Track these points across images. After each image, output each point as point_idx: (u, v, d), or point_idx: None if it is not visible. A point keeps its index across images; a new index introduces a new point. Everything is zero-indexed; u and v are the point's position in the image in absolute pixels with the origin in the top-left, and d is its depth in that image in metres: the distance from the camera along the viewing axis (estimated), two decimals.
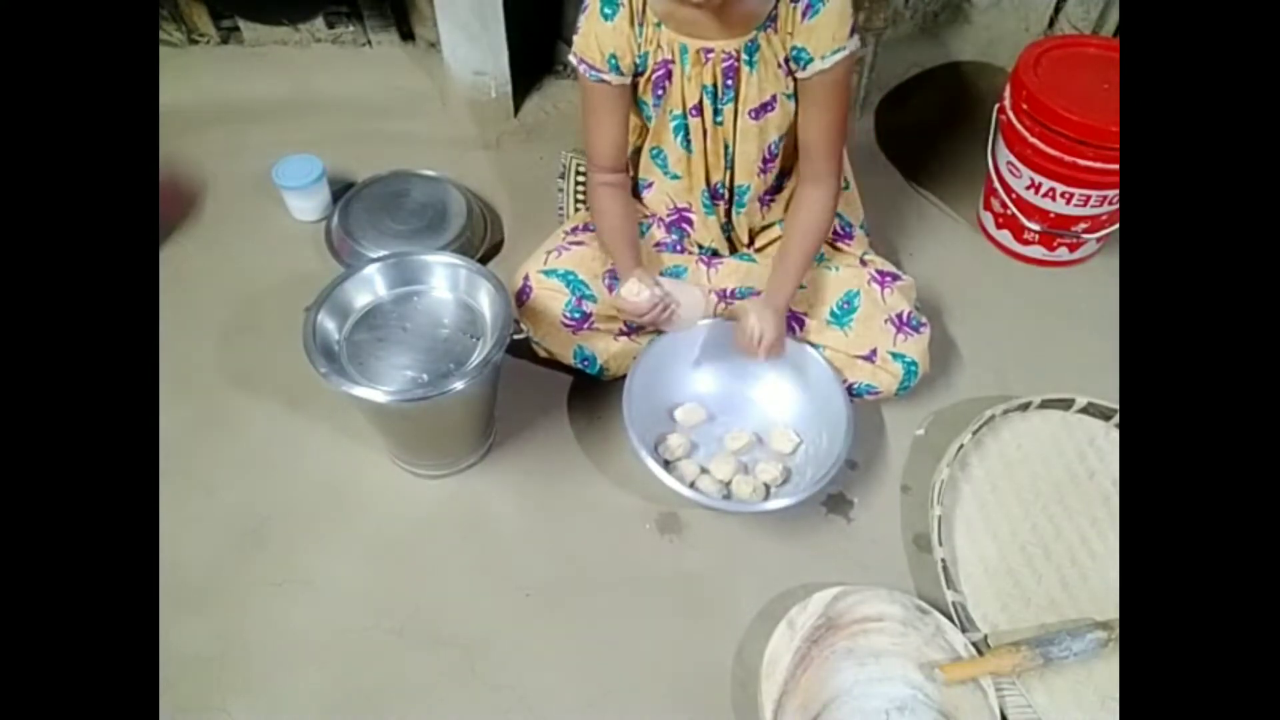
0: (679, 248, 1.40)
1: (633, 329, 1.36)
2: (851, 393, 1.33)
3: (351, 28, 2.07)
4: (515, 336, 1.17)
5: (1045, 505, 1.32)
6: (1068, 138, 1.47)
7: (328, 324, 1.15)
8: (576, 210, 1.58)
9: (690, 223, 1.39)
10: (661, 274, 1.38)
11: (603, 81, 1.20)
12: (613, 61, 1.17)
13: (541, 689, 1.13)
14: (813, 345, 1.33)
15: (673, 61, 1.18)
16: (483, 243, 1.67)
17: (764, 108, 1.21)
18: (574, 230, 1.39)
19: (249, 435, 1.37)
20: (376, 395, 1.07)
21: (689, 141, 1.27)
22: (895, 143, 1.96)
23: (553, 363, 1.41)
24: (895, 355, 1.31)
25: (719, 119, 1.24)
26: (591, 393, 1.43)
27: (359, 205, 1.64)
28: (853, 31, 1.13)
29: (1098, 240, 1.66)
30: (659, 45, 1.17)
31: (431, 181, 1.70)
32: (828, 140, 1.22)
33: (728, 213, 1.38)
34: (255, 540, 1.25)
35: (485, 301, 1.21)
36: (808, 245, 1.26)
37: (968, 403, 1.47)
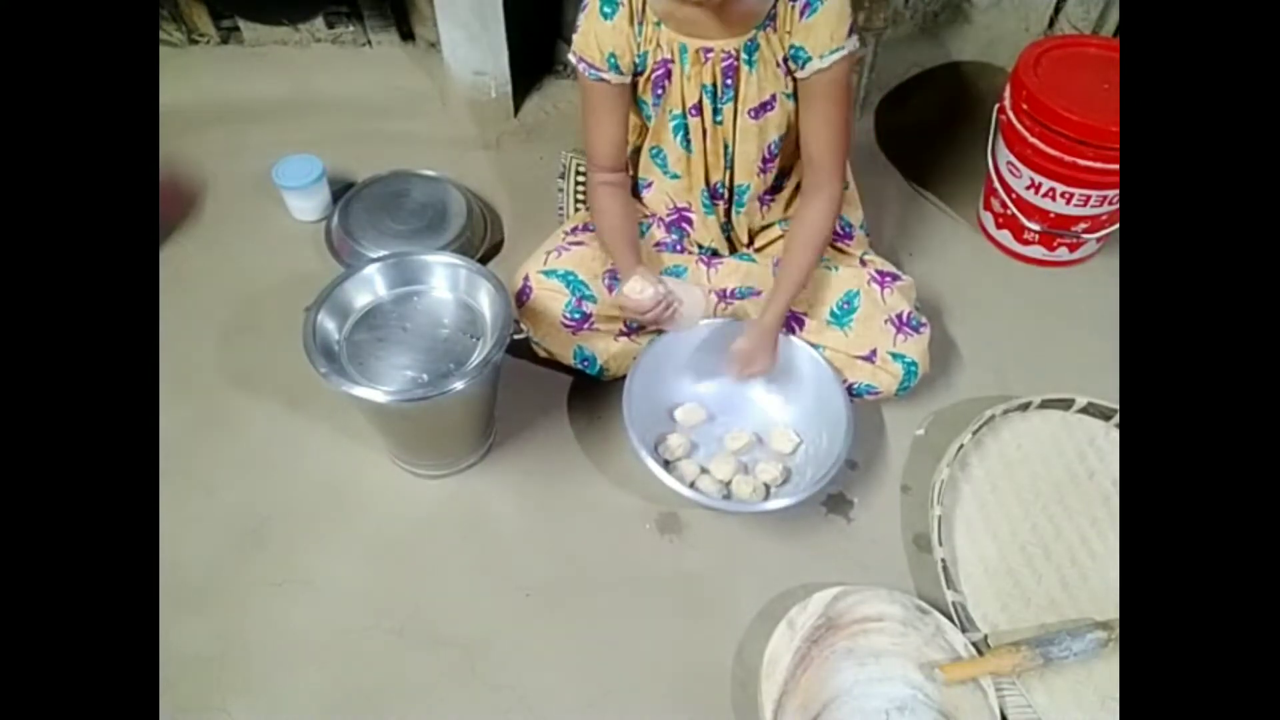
0: (679, 247, 1.40)
1: (633, 329, 1.36)
2: (851, 393, 1.33)
3: (351, 28, 2.07)
4: (515, 336, 1.17)
5: (1045, 505, 1.32)
6: (1068, 138, 1.47)
7: (328, 324, 1.15)
8: (576, 210, 1.58)
9: (690, 222, 1.39)
10: (662, 274, 1.38)
11: (602, 80, 1.20)
12: (612, 60, 1.17)
13: (541, 689, 1.13)
14: (813, 345, 1.33)
15: (672, 61, 1.18)
16: (483, 243, 1.67)
17: (763, 107, 1.21)
18: (574, 230, 1.39)
19: (249, 435, 1.37)
20: (376, 395, 1.07)
21: (688, 141, 1.27)
22: (895, 143, 1.96)
23: (553, 363, 1.41)
24: (895, 355, 1.31)
25: (718, 118, 1.24)
26: (591, 393, 1.43)
27: (359, 205, 1.64)
28: (851, 31, 1.13)
29: (1098, 240, 1.66)
30: (658, 44, 1.17)
31: (431, 181, 1.70)
32: (830, 144, 1.22)
33: (727, 212, 1.38)
34: (255, 540, 1.25)
35: (485, 301, 1.21)
36: (808, 257, 1.26)
37: (968, 403, 1.47)
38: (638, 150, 1.36)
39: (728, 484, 1.29)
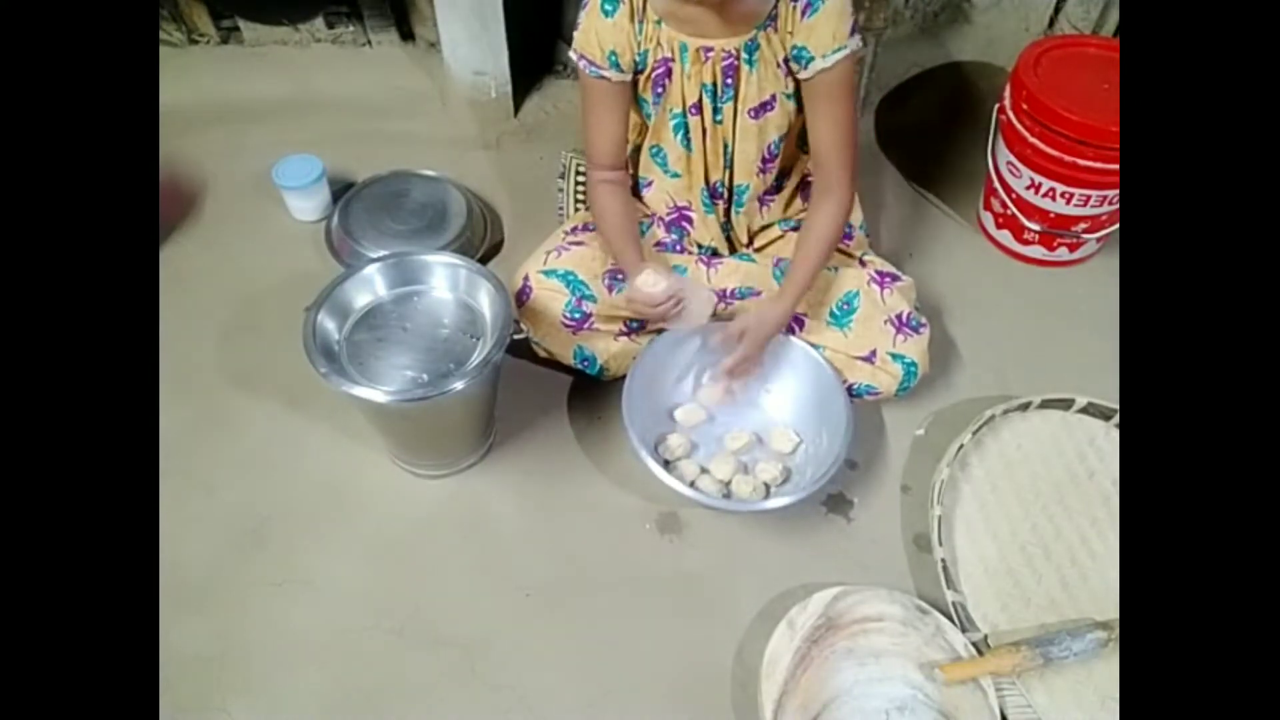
0: (679, 247, 1.40)
1: (633, 329, 1.36)
2: (851, 393, 1.33)
3: (351, 28, 2.07)
4: (515, 336, 1.17)
5: (1045, 505, 1.32)
6: (1068, 138, 1.47)
7: (328, 324, 1.15)
8: (576, 210, 1.57)
9: (690, 221, 1.39)
10: None
11: (602, 78, 1.20)
12: (613, 58, 1.17)
13: (541, 689, 1.13)
14: (813, 345, 1.33)
15: (672, 60, 1.18)
16: (483, 243, 1.67)
17: (763, 107, 1.21)
18: (574, 230, 1.39)
19: (249, 435, 1.37)
20: (376, 395, 1.07)
21: (688, 140, 1.27)
22: (895, 143, 1.96)
23: (553, 363, 1.41)
24: (895, 356, 1.31)
25: (718, 118, 1.24)
26: (591, 393, 1.43)
27: (359, 205, 1.64)
28: (853, 31, 1.13)
29: (1098, 240, 1.66)
30: (659, 43, 1.17)
31: (431, 181, 1.70)
32: (838, 144, 1.21)
33: (727, 212, 1.38)
34: (255, 540, 1.25)
35: (485, 301, 1.21)
36: (816, 261, 1.25)
37: (968, 403, 1.47)
38: (638, 149, 1.36)
39: (728, 484, 1.29)
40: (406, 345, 1.17)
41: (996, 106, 1.64)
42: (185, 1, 1.97)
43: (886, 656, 1.13)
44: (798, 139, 1.33)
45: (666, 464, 1.29)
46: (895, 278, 1.36)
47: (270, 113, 1.91)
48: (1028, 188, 1.59)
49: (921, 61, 2.16)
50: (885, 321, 1.32)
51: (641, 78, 1.22)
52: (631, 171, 1.39)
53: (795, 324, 1.36)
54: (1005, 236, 1.72)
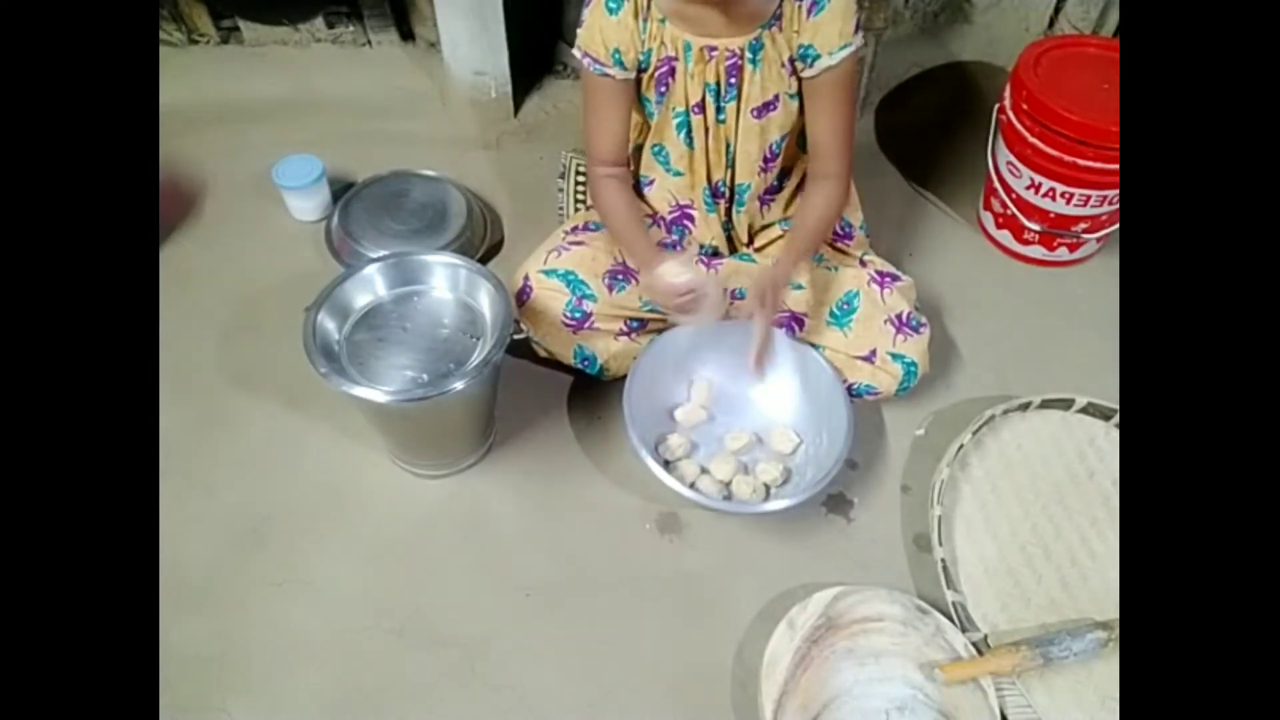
0: (679, 248, 1.40)
1: (633, 328, 1.36)
2: (851, 393, 1.33)
3: (351, 28, 2.07)
4: (515, 336, 1.17)
5: (1045, 505, 1.32)
6: (1068, 138, 1.47)
7: (328, 324, 1.15)
8: (576, 210, 1.58)
9: (692, 220, 1.39)
10: None
11: (606, 76, 1.20)
12: (617, 56, 1.17)
13: (541, 689, 1.13)
14: (813, 345, 1.33)
15: (676, 58, 1.18)
16: (483, 243, 1.67)
17: (766, 107, 1.21)
18: (574, 230, 1.39)
19: (249, 435, 1.37)
20: (376, 395, 1.07)
21: (691, 139, 1.27)
22: (895, 143, 1.96)
23: (553, 363, 1.41)
24: (895, 356, 1.31)
25: (721, 117, 1.24)
26: (591, 393, 1.43)
27: (359, 205, 1.64)
28: (858, 28, 1.14)
29: (1098, 240, 1.66)
30: (663, 41, 1.17)
31: (431, 181, 1.70)
32: (837, 138, 1.22)
33: (728, 211, 1.38)
34: (255, 540, 1.25)
35: (485, 301, 1.21)
36: (815, 231, 1.26)
37: (968, 403, 1.47)
38: (639, 148, 1.36)
39: (728, 484, 1.29)
40: (406, 345, 1.17)
41: (996, 106, 1.64)
42: (185, 1, 1.97)
43: (886, 656, 1.13)
44: (798, 138, 1.33)
45: (667, 464, 1.29)
46: (895, 277, 1.36)
47: (270, 113, 1.91)
48: (1028, 188, 1.59)
49: (921, 61, 2.16)
50: (885, 321, 1.32)
51: (645, 76, 1.22)
52: (633, 170, 1.39)
53: (795, 324, 1.36)
54: (1005, 236, 1.72)
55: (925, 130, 1.98)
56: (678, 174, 1.33)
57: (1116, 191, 1.52)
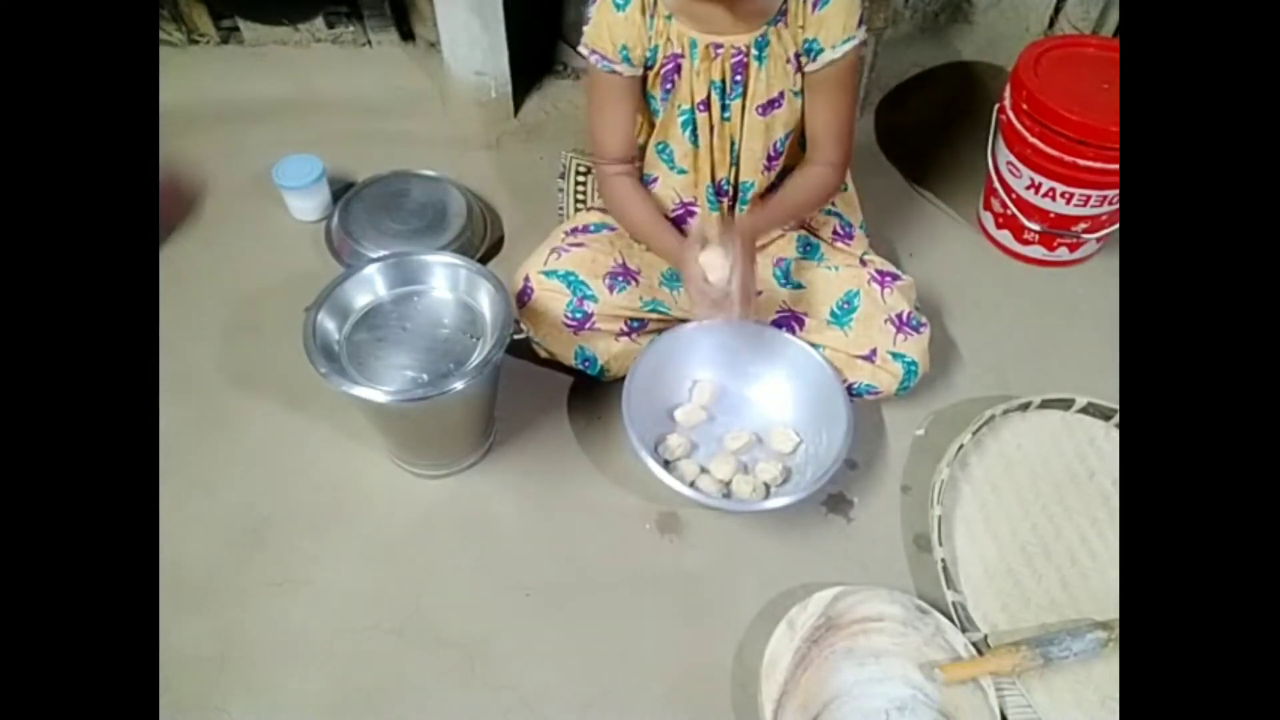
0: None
1: (634, 329, 1.36)
2: (851, 393, 1.33)
3: (351, 28, 2.07)
4: (515, 336, 1.17)
5: (1045, 505, 1.32)
6: (1068, 138, 1.47)
7: (328, 324, 1.15)
8: (576, 210, 1.58)
9: (695, 217, 1.39)
10: (661, 276, 1.38)
11: (614, 73, 1.20)
12: (624, 52, 1.17)
13: (541, 689, 1.13)
14: (813, 345, 1.33)
15: (682, 56, 1.18)
16: (483, 243, 1.67)
17: (771, 104, 1.21)
18: (574, 230, 1.39)
19: (249, 435, 1.37)
20: (376, 395, 1.07)
21: (696, 136, 1.27)
22: (895, 143, 1.96)
23: (553, 363, 1.41)
24: (895, 355, 1.31)
25: (726, 115, 1.24)
26: (591, 393, 1.43)
27: (359, 205, 1.64)
28: (861, 21, 1.14)
29: (1098, 240, 1.66)
30: (668, 38, 1.17)
31: (431, 181, 1.70)
32: (836, 130, 1.23)
33: (731, 209, 1.38)
34: (255, 540, 1.25)
35: (485, 301, 1.21)
36: (797, 205, 1.28)
37: (968, 403, 1.47)
38: (643, 146, 1.36)
39: (728, 484, 1.29)
40: (406, 345, 1.17)
41: (996, 106, 1.64)
42: (185, 1, 1.97)
43: (886, 656, 1.13)
44: (800, 138, 1.33)
45: (666, 464, 1.29)
46: (895, 277, 1.36)
47: (270, 113, 1.91)
48: (1028, 188, 1.59)
49: (921, 61, 2.16)
50: (885, 321, 1.32)
51: (650, 74, 1.22)
52: (637, 167, 1.39)
53: (795, 323, 1.36)
54: (1005, 236, 1.72)
55: (925, 130, 1.98)
56: (681, 172, 1.33)
57: (1116, 191, 1.52)
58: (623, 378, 1.30)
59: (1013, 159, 1.59)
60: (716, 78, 1.19)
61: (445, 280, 1.23)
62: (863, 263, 1.38)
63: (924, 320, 1.34)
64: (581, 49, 1.21)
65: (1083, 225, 1.61)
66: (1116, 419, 1.42)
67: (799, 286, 1.36)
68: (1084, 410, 1.43)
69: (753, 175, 1.31)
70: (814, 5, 1.13)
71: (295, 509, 1.29)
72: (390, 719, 1.10)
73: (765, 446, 1.36)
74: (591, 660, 1.16)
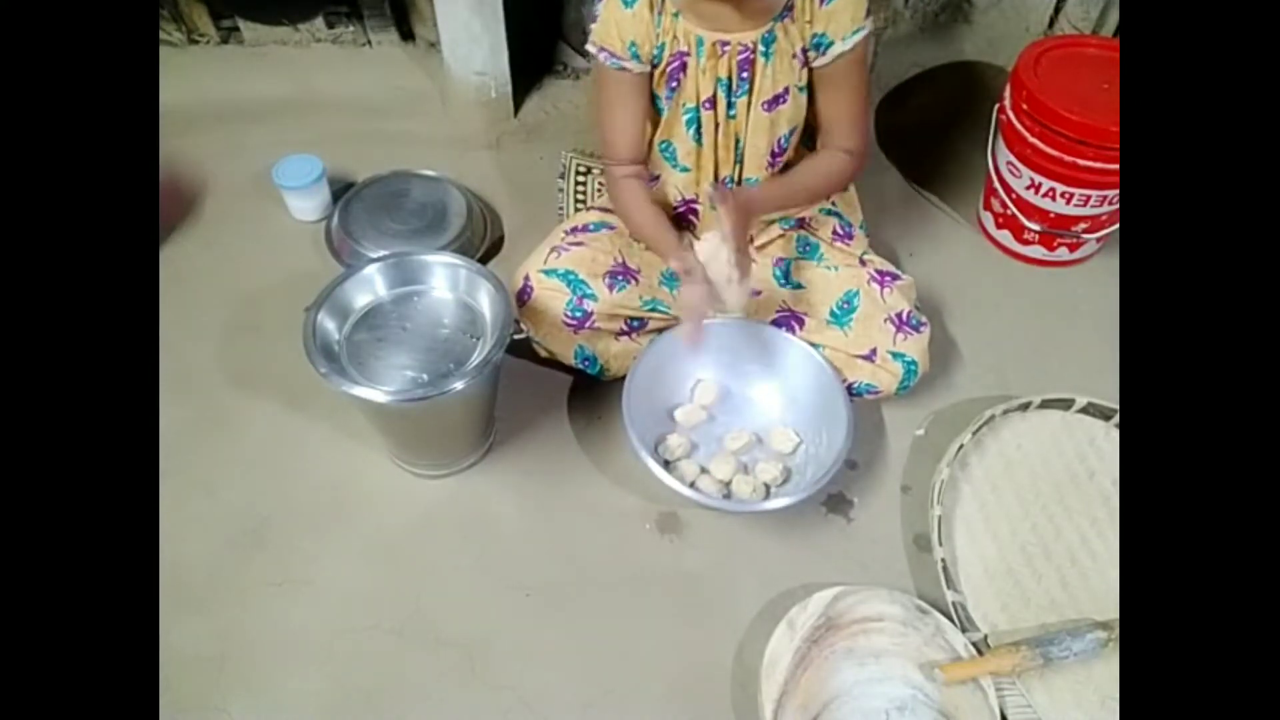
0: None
1: (634, 328, 1.36)
2: (851, 392, 1.33)
3: (351, 28, 2.06)
4: (515, 336, 1.17)
5: (1045, 505, 1.32)
6: (1068, 138, 1.47)
7: (328, 324, 1.16)
8: (576, 210, 1.58)
9: (697, 214, 1.39)
10: (661, 275, 1.38)
11: (624, 70, 1.19)
12: (633, 49, 1.17)
13: (541, 689, 1.13)
14: (813, 345, 1.33)
15: (688, 53, 1.18)
16: (483, 243, 1.67)
17: (776, 100, 1.21)
18: (574, 230, 1.39)
19: (249, 435, 1.37)
20: (376, 395, 1.07)
21: (700, 135, 1.27)
22: (895, 143, 1.96)
23: (553, 363, 1.41)
24: (895, 354, 1.31)
25: (732, 112, 1.24)
26: (591, 393, 1.43)
27: (359, 205, 1.64)
28: (869, 12, 1.15)
29: (1098, 240, 1.66)
30: (675, 36, 1.17)
31: (431, 181, 1.70)
32: (852, 119, 1.23)
33: None
34: (255, 540, 1.25)
35: (485, 301, 1.21)
36: (808, 187, 1.27)
37: (968, 403, 1.47)
38: (647, 145, 1.36)
39: (728, 484, 1.29)
40: (406, 345, 1.17)
41: (996, 106, 1.64)
42: (185, 1, 1.97)
43: (886, 656, 1.13)
44: (802, 136, 1.33)
45: (666, 464, 1.29)
46: (895, 276, 1.36)
47: (270, 113, 1.91)
48: (1028, 188, 1.59)
49: (921, 61, 2.16)
50: (885, 320, 1.32)
51: (656, 72, 1.22)
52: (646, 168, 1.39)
53: (795, 323, 1.36)
54: (1005, 236, 1.72)
55: (925, 130, 1.98)
56: (685, 169, 1.33)
57: (1116, 191, 1.52)
58: (623, 377, 1.30)
59: (1013, 159, 1.59)
60: (723, 75, 1.19)
61: (445, 280, 1.23)
62: (862, 262, 1.38)
63: (924, 320, 1.34)
64: (589, 47, 1.20)
65: (1083, 225, 1.61)
66: (1116, 419, 1.42)
67: (799, 286, 1.36)
68: (1084, 410, 1.43)
69: (757, 172, 1.30)
70: (821, 0, 1.13)
71: (295, 509, 1.29)
72: (390, 719, 1.10)
73: (765, 447, 1.36)
74: (591, 660, 1.16)
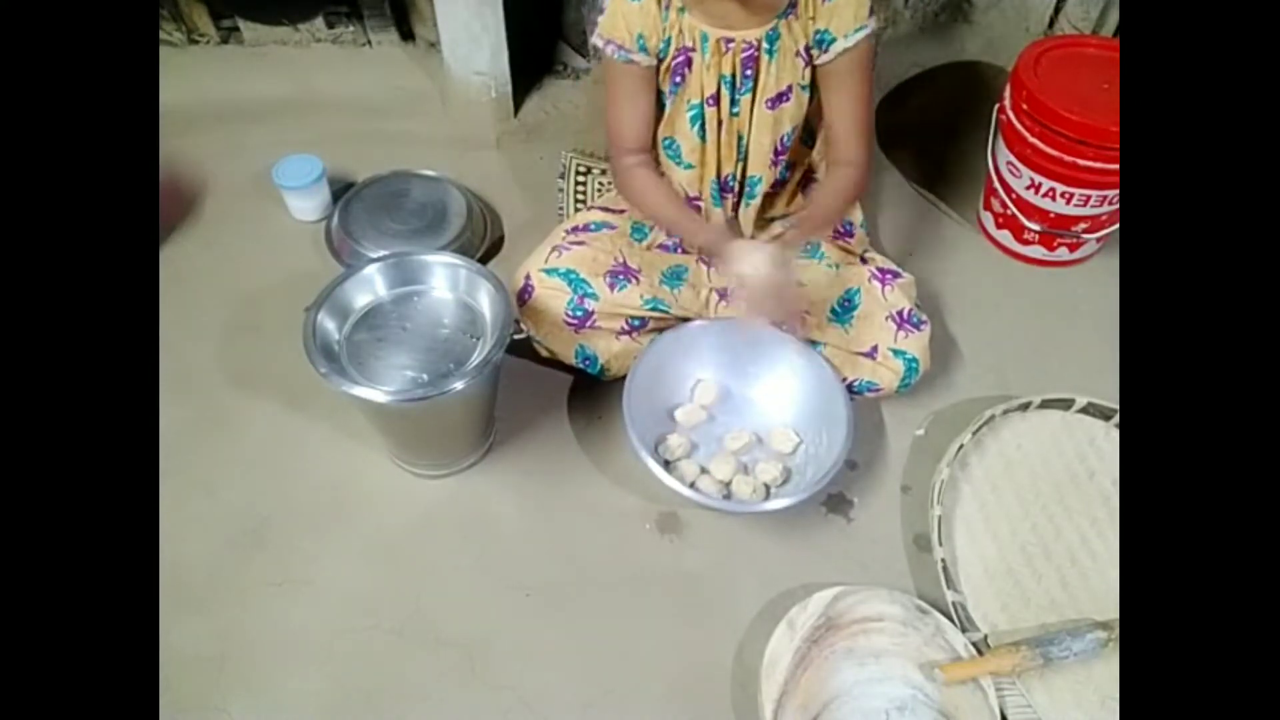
0: (680, 249, 1.40)
1: (634, 328, 1.36)
2: (852, 390, 1.33)
3: (351, 28, 2.06)
4: (515, 336, 1.17)
5: (1045, 505, 1.32)
6: (1068, 138, 1.47)
7: (328, 324, 1.15)
8: (576, 210, 1.58)
9: (699, 212, 1.39)
10: (662, 274, 1.38)
11: (631, 62, 1.20)
12: (640, 42, 1.18)
13: (541, 689, 1.13)
14: (813, 343, 1.33)
15: (693, 50, 1.18)
16: (483, 242, 1.67)
17: (780, 97, 1.22)
18: (575, 229, 1.39)
19: (249, 435, 1.37)
20: (376, 395, 1.07)
21: (703, 131, 1.27)
22: (896, 143, 1.96)
23: (553, 363, 1.41)
24: (896, 352, 1.31)
25: (735, 110, 1.24)
26: (591, 393, 1.43)
27: (359, 205, 1.64)
28: (872, 11, 1.15)
29: (1098, 240, 1.66)
30: (680, 31, 1.17)
31: (431, 181, 1.70)
32: (855, 125, 1.24)
33: (735, 206, 1.38)
34: (255, 540, 1.25)
35: (485, 301, 1.21)
36: (830, 212, 1.29)
37: (968, 403, 1.47)
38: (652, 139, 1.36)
39: (728, 484, 1.29)
40: (406, 345, 1.17)
41: (996, 106, 1.64)
42: (185, 1, 1.97)
43: (886, 656, 1.13)
44: (802, 135, 1.33)
45: (666, 464, 1.29)
46: (896, 274, 1.36)
47: (270, 113, 1.91)
48: (1028, 188, 1.59)
49: (922, 61, 2.16)
50: (886, 318, 1.32)
51: (661, 67, 1.22)
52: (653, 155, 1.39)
53: (796, 321, 1.35)
54: (1005, 236, 1.72)
55: (925, 130, 1.98)
56: (688, 167, 1.33)
57: (1116, 191, 1.52)
58: (623, 377, 1.30)
59: (1013, 159, 1.59)
60: (727, 72, 1.19)
61: (445, 280, 1.23)
62: (863, 260, 1.38)
63: (924, 317, 1.34)
64: (596, 40, 1.21)
65: (1083, 225, 1.61)
66: (1116, 419, 1.42)
67: (799, 285, 1.36)
68: (1084, 410, 1.43)
69: (760, 170, 1.31)
70: None
71: (295, 509, 1.29)
72: (390, 719, 1.10)
73: (765, 447, 1.36)
74: (591, 660, 1.16)
